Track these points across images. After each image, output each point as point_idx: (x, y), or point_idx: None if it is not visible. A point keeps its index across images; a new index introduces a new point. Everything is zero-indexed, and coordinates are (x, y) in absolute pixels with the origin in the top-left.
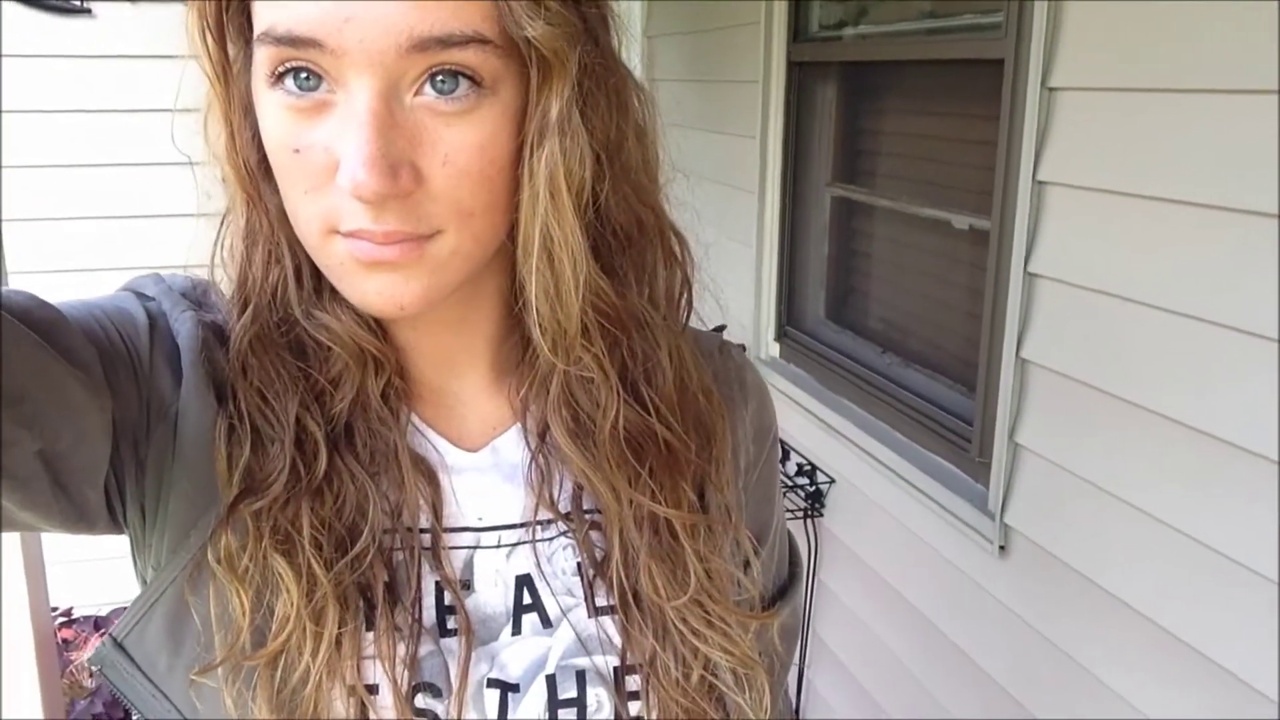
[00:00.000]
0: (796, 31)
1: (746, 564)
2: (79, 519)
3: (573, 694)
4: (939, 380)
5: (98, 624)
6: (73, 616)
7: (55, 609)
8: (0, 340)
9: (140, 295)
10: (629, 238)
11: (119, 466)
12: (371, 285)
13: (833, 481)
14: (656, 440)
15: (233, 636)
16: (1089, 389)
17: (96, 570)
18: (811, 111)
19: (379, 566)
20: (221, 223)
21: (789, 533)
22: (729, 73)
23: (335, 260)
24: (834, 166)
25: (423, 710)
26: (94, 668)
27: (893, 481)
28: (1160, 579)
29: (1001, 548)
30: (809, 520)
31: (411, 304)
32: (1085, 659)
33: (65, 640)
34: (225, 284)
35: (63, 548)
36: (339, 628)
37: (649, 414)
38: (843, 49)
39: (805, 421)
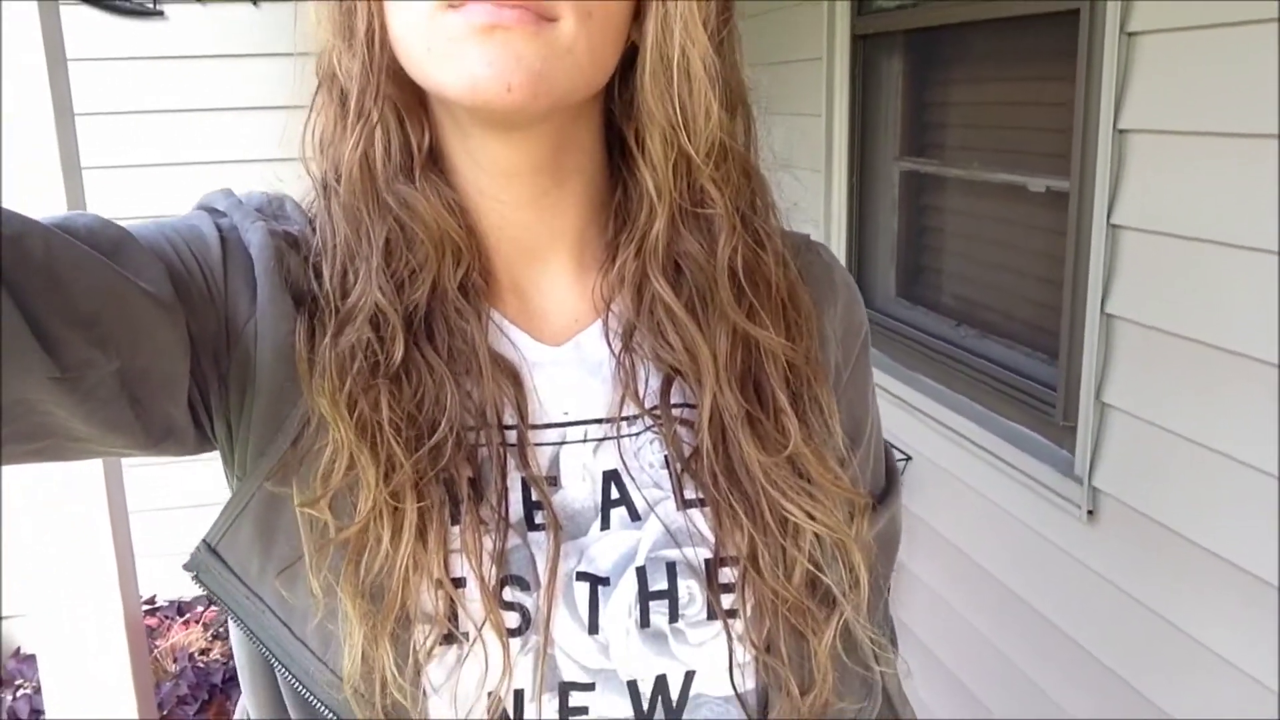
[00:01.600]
0: (860, 4)
1: (842, 463)
2: (164, 437)
3: (663, 586)
4: (1018, 349)
5: (180, 609)
6: (155, 604)
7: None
8: (65, 262)
9: (211, 211)
10: (739, 100)
11: (201, 382)
12: (482, 56)
13: (909, 459)
14: (769, 284)
15: (317, 525)
16: (1178, 339)
17: (176, 562)
18: (877, 85)
19: (462, 462)
20: (311, 105)
21: (887, 445)
22: (791, 52)
23: (444, 33)
24: (902, 140)
25: (511, 603)
26: (191, 573)
27: (973, 453)
28: (1261, 532)
29: (1090, 512)
30: None
31: (520, 86)
32: (1181, 619)
33: (149, 627)
34: (303, 196)
35: (144, 540)
36: (421, 518)
37: (763, 251)
38: (909, 17)
39: (880, 396)
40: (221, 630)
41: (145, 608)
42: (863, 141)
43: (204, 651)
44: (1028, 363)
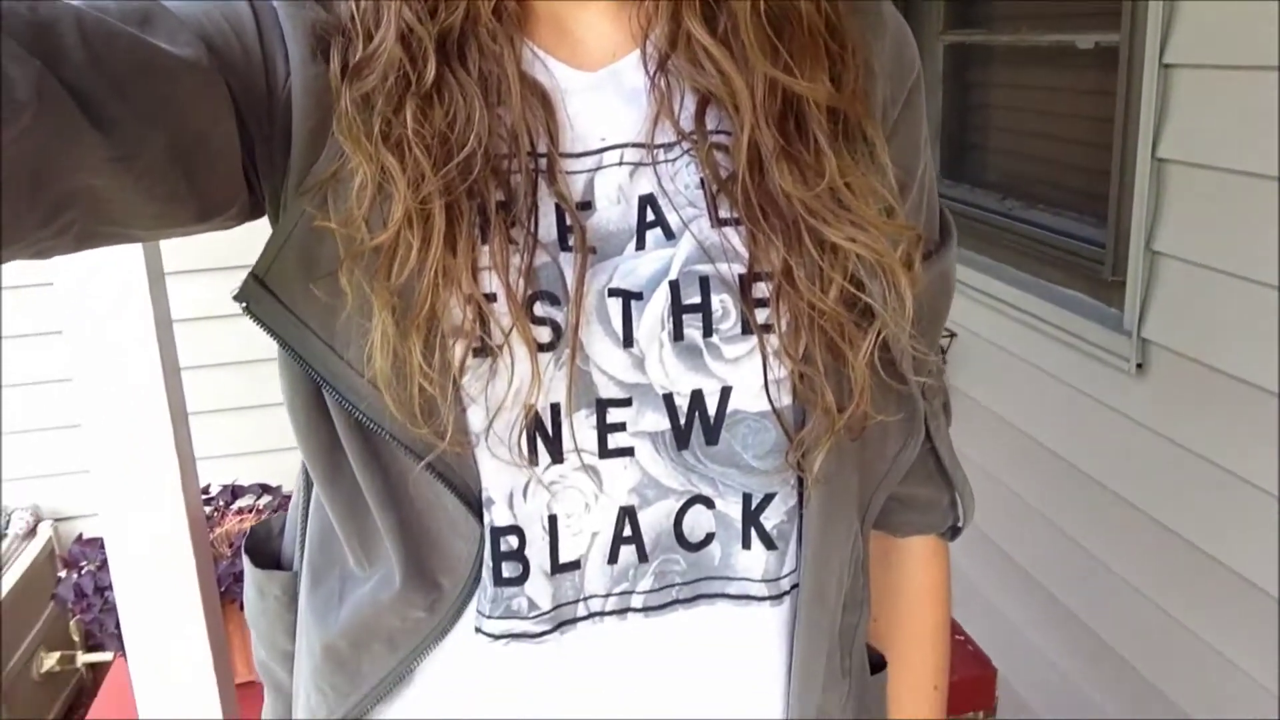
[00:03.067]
0: None
1: (890, 204)
2: (215, 209)
3: (696, 300)
4: (1065, 215)
5: (234, 492)
6: (210, 494)
7: None
8: (100, 40)
9: None
10: None
11: (249, 144)
12: None
13: (954, 336)
14: (801, 22)
15: (351, 234)
16: (1232, 175)
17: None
18: None
19: (492, 183)
20: None
21: (941, 203)
22: None
23: None
24: (946, 12)
25: (542, 318)
26: (241, 303)
27: (1019, 321)
28: None
29: (1139, 365)
30: None
31: None
32: (1234, 463)
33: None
34: None
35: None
36: (450, 228)
37: None
38: None
39: None
40: (272, 517)
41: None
42: (906, 17)
43: None
44: (1074, 226)
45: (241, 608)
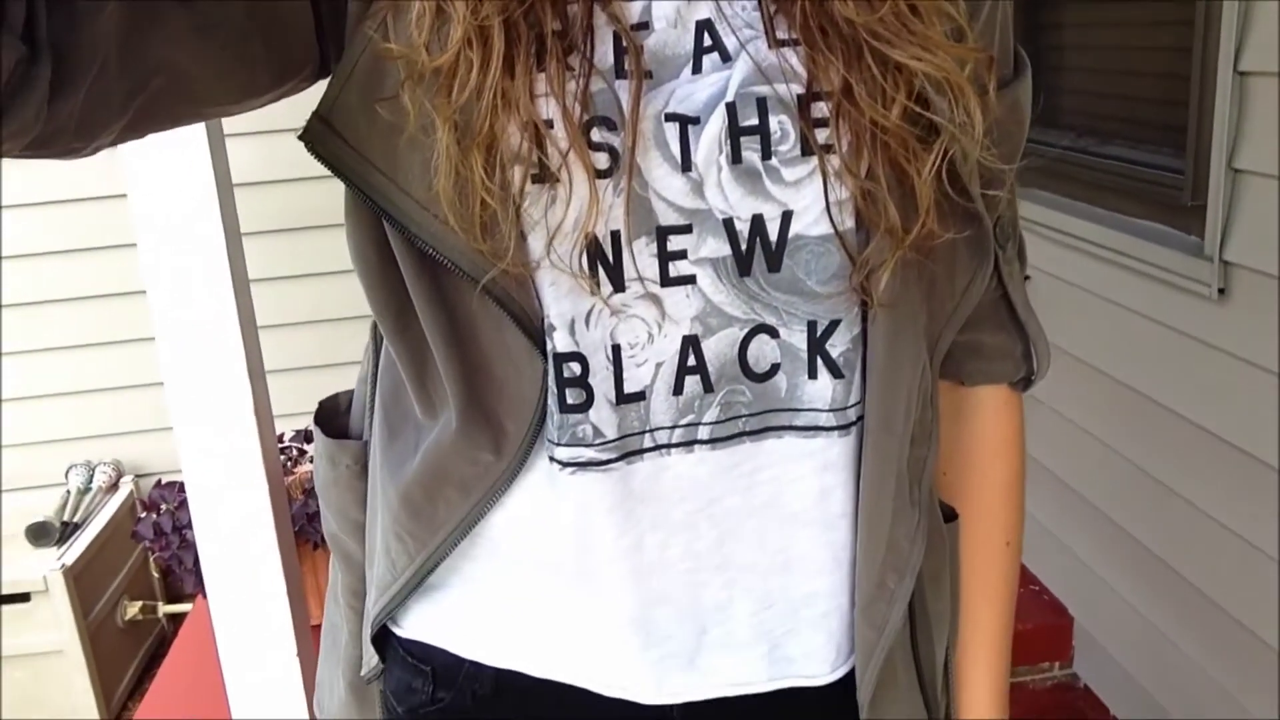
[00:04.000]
0: None
1: (959, 33)
2: (296, 68)
3: (754, 121)
4: (1142, 148)
5: (308, 437)
6: (284, 443)
7: None
8: None
9: None
10: None
11: (319, 10)
12: None
13: (1028, 278)
14: None
15: (412, 58)
16: None
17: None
18: None
19: (550, 12)
20: None
21: (1017, 48)
22: None
23: None
24: None
25: (599, 144)
26: (306, 143)
27: (1096, 256)
28: None
29: (1221, 290)
30: None
31: None
32: None
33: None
34: None
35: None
36: (509, 49)
37: None
38: None
39: None
40: (338, 394)
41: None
42: None
43: None
44: (1151, 156)
45: (315, 547)
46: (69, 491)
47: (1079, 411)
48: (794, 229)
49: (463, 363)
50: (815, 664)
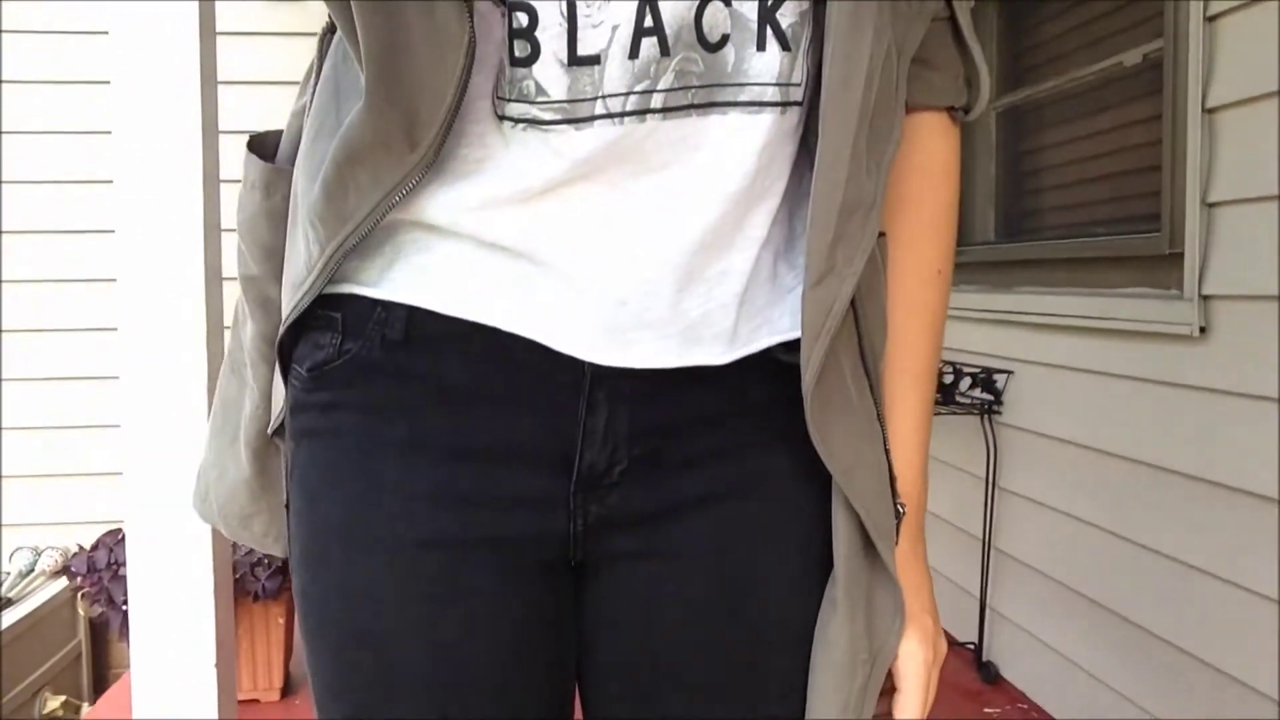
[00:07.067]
0: None
1: None
2: None
3: None
4: (1118, 224)
5: None
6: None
7: None
8: None
9: None
10: None
11: None
12: None
13: (1010, 374)
14: None
15: None
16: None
17: None
18: None
19: None
20: None
21: None
22: None
23: None
24: (997, 80)
25: None
26: None
27: (1078, 331)
28: None
29: (1202, 329)
30: (986, 419)
31: None
32: None
33: None
34: None
35: None
36: None
37: None
38: None
39: (975, 327)
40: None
41: None
42: None
43: None
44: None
45: (255, 599)
46: (7, 573)
47: (1063, 501)
48: None
49: (378, 25)
50: (721, 346)
